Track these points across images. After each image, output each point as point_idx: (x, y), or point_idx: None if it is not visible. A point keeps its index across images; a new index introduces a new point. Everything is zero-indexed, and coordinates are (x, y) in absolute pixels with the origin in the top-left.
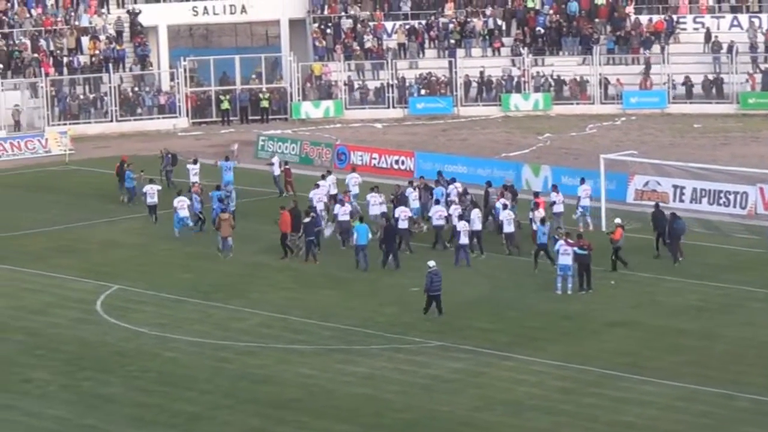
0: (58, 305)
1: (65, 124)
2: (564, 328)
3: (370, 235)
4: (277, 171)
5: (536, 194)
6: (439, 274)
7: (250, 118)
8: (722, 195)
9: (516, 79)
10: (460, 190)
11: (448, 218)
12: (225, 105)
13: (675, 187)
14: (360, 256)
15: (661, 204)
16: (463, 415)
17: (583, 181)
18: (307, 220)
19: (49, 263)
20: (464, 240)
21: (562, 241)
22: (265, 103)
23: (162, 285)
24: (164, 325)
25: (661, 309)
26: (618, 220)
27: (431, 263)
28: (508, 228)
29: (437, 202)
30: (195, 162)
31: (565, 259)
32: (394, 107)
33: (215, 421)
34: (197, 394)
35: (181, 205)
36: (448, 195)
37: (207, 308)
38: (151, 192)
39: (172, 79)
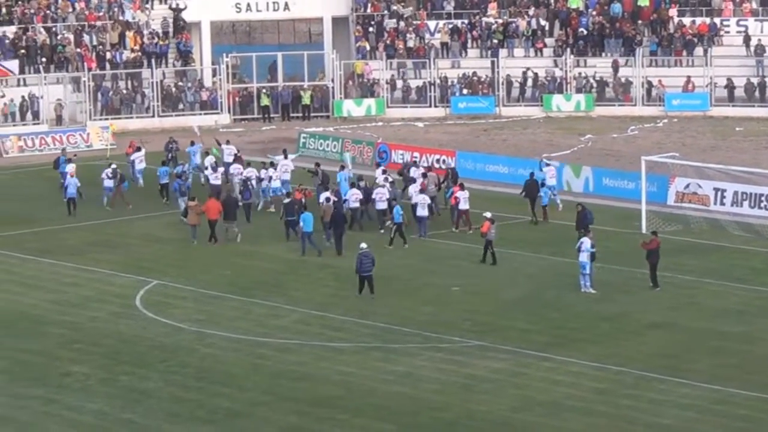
0: (98, 299)
1: (107, 119)
2: (603, 329)
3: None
4: (228, 158)
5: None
6: (369, 256)
7: (291, 115)
8: (764, 198)
9: (558, 80)
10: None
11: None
12: (265, 101)
13: (716, 189)
14: (306, 243)
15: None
16: (501, 415)
17: (547, 163)
18: (286, 201)
19: (90, 257)
20: (422, 212)
21: (584, 239)
22: (306, 100)
23: (202, 281)
24: (203, 321)
25: (702, 311)
26: (487, 214)
27: (363, 245)
28: (422, 212)
29: (353, 185)
30: (139, 149)
31: (583, 256)
32: (435, 106)
33: (253, 417)
34: (235, 391)
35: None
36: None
37: (246, 305)
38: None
39: (214, 76)
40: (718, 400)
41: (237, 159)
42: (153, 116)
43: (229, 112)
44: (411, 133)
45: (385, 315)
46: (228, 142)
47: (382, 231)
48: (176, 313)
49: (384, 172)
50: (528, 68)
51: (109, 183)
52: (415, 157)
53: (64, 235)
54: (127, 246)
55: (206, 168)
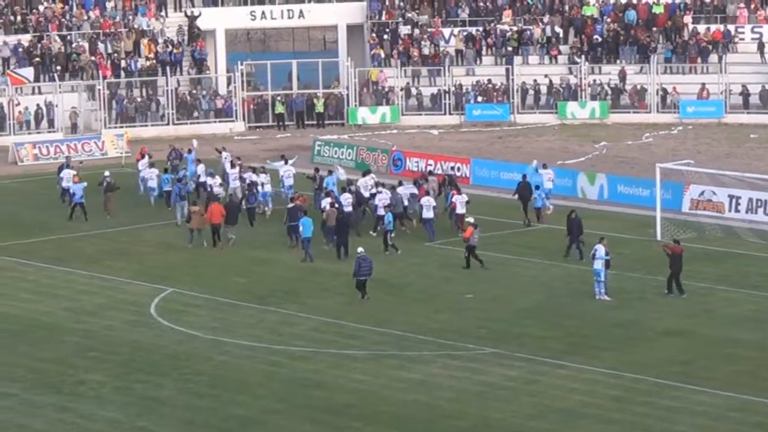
0: (113, 307)
1: (122, 127)
2: (618, 337)
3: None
4: (228, 167)
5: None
6: (368, 260)
7: (306, 123)
8: None
9: (573, 87)
10: (376, 180)
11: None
12: (279, 108)
13: (731, 197)
14: (308, 248)
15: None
16: (516, 422)
17: (545, 166)
18: (290, 205)
19: (104, 265)
20: (428, 214)
21: (598, 246)
22: (319, 108)
23: (216, 288)
24: (217, 329)
25: (716, 319)
26: (470, 219)
27: (360, 249)
28: (428, 213)
29: (344, 190)
30: (144, 156)
31: (597, 263)
32: (450, 114)
33: (267, 425)
34: (249, 399)
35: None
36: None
37: (261, 312)
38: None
39: (229, 83)
40: (732, 408)
41: (233, 165)
42: (168, 124)
43: (243, 119)
44: (426, 140)
45: (400, 322)
46: (224, 149)
47: (374, 234)
48: (191, 321)
49: (363, 176)
50: (546, 75)
51: (152, 183)
52: (430, 169)
53: (78, 243)
54: (141, 254)
55: (198, 176)
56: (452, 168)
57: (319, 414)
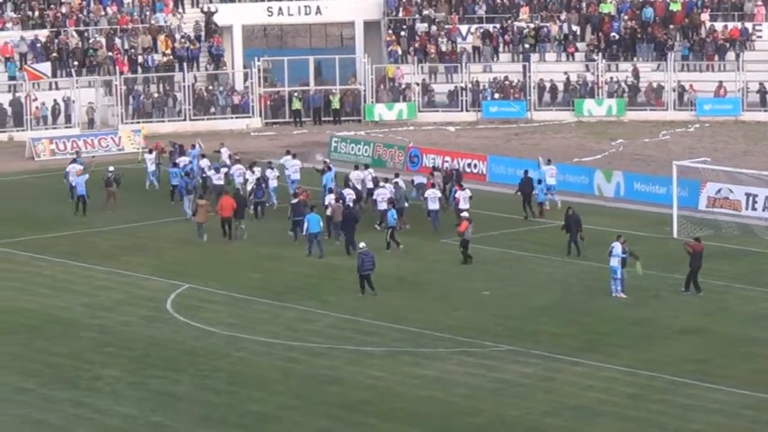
0: (129, 303)
1: (139, 123)
2: (634, 334)
3: (322, 224)
4: (226, 160)
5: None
6: (369, 254)
7: (323, 119)
8: None
9: (590, 85)
10: (373, 175)
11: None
12: (296, 105)
13: (748, 195)
14: (313, 244)
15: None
16: (531, 419)
17: (549, 162)
18: (294, 201)
19: (121, 261)
20: (433, 206)
21: (615, 244)
22: (336, 104)
23: (233, 285)
24: (234, 325)
25: (733, 317)
26: (465, 214)
27: (362, 245)
28: (433, 205)
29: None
30: (150, 152)
31: (614, 261)
32: (467, 110)
33: (284, 421)
34: (266, 395)
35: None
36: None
37: (278, 309)
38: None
39: (245, 79)
40: (748, 406)
41: (237, 161)
42: (185, 120)
43: (260, 115)
44: (442, 137)
45: (417, 319)
46: (222, 145)
47: (378, 228)
48: (208, 317)
49: (356, 169)
50: (564, 72)
51: (152, 168)
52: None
53: (94, 239)
54: (158, 249)
55: (203, 169)
56: (469, 165)
57: (336, 410)
